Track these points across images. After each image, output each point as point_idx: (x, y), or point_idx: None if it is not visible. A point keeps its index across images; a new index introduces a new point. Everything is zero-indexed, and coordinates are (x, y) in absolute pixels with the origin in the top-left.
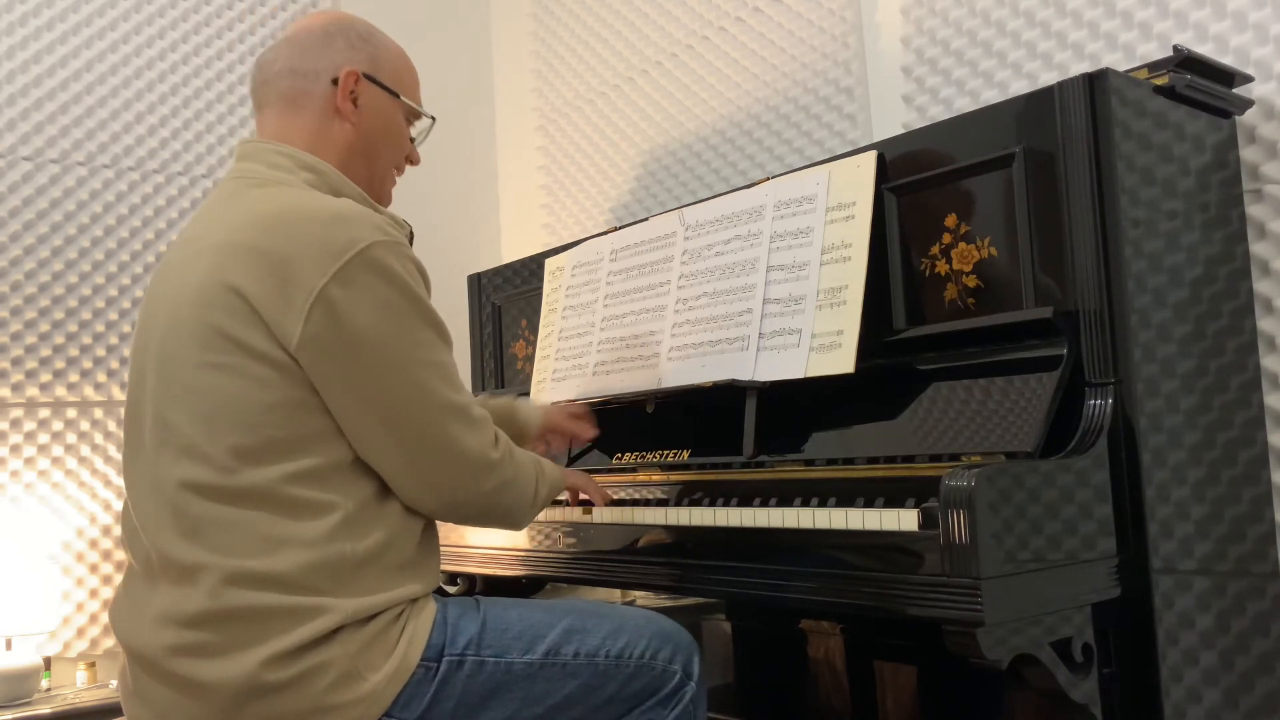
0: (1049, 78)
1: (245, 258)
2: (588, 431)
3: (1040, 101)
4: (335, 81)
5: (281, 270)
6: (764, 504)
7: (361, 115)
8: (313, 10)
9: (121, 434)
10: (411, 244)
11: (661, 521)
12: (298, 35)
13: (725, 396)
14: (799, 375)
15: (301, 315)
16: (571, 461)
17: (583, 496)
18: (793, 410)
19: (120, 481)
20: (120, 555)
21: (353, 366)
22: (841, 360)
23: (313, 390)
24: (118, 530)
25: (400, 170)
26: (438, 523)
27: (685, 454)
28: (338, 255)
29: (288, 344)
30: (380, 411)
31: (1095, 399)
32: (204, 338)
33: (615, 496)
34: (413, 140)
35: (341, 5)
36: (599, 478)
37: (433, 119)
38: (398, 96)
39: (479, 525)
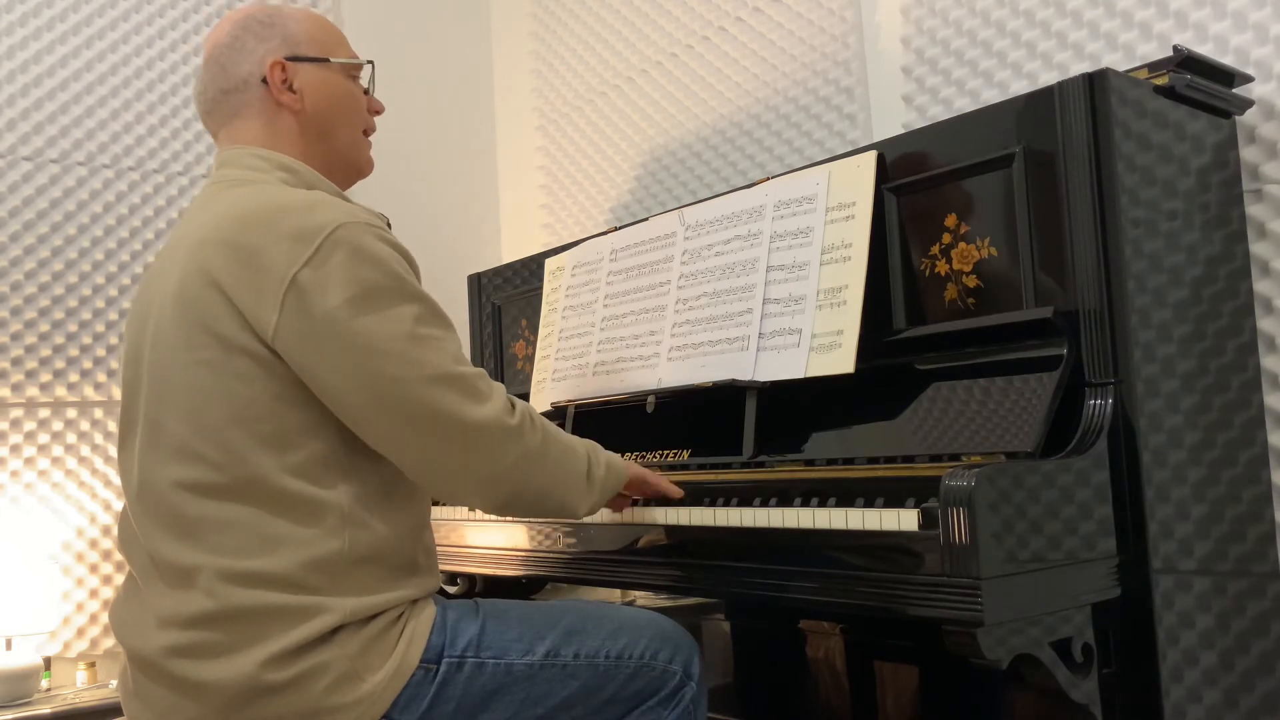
0: (1049, 78)
1: (221, 252)
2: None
3: (1040, 101)
4: (265, 81)
5: (255, 261)
6: (764, 504)
7: (304, 97)
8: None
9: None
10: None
11: (661, 521)
12: (211, 54)
13: (725, 396)
14: (799, 375)
15: (276, 305)
16: None
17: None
18: (793, 410)
19: (120, 481)
20: (120, 555)
21: (334, 350)
22: (841, 360)
23: (292, 383)
24: (118, 531)
25: (370, 129)
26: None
27: (685, 454)
28: (308, 241)
29: (265, 335)
30: (372, 394)
31: (1095, 399)
32: (188, 335)
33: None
34: (367, 92)
35: (342, 7)
36: None
37: (370, 63)
38: (328, 61)
39: (528, 514)
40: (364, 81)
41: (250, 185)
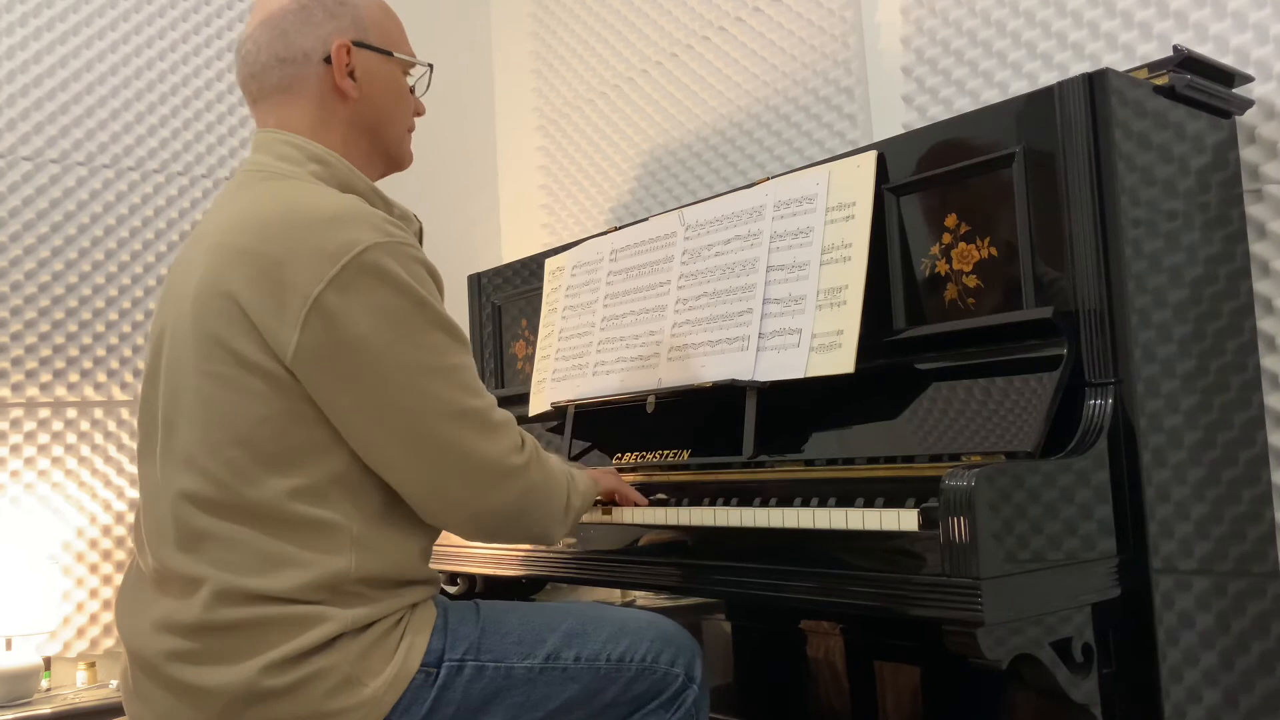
0: (1049, 78)
1: (240, 261)
2: (638, 497)
3: (1040, 101)
4: (328, 59)
5: (275, 275)
6: (764, 504)
7: (362, 87)
8: None
9: (121, 434)
10: (421, 239)
11: (661, 521)
12: (272, 17)
13: (725, 396)
14: (799, 375)
15: (297, 324)
16: (572, 460)
17: (615, 498)
18: (793, 410)
19: (120, 482)
20: (120, 555)
21: (354, 376)
22: (841, 360)
23: (307, 401)
24: (118, 530)
25: (412, 127)
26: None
27: (685, 454)
28: (334, 259)
29: (282, 355)
30: (387, 423)
31: (1095, 399)
32: (202, 345)
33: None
34: (412, 91)
35: None
36: None
37: (429, 66)
38: (391, 55)
39: (508, 540)
40: (413, 81)
41: (279, 180)
